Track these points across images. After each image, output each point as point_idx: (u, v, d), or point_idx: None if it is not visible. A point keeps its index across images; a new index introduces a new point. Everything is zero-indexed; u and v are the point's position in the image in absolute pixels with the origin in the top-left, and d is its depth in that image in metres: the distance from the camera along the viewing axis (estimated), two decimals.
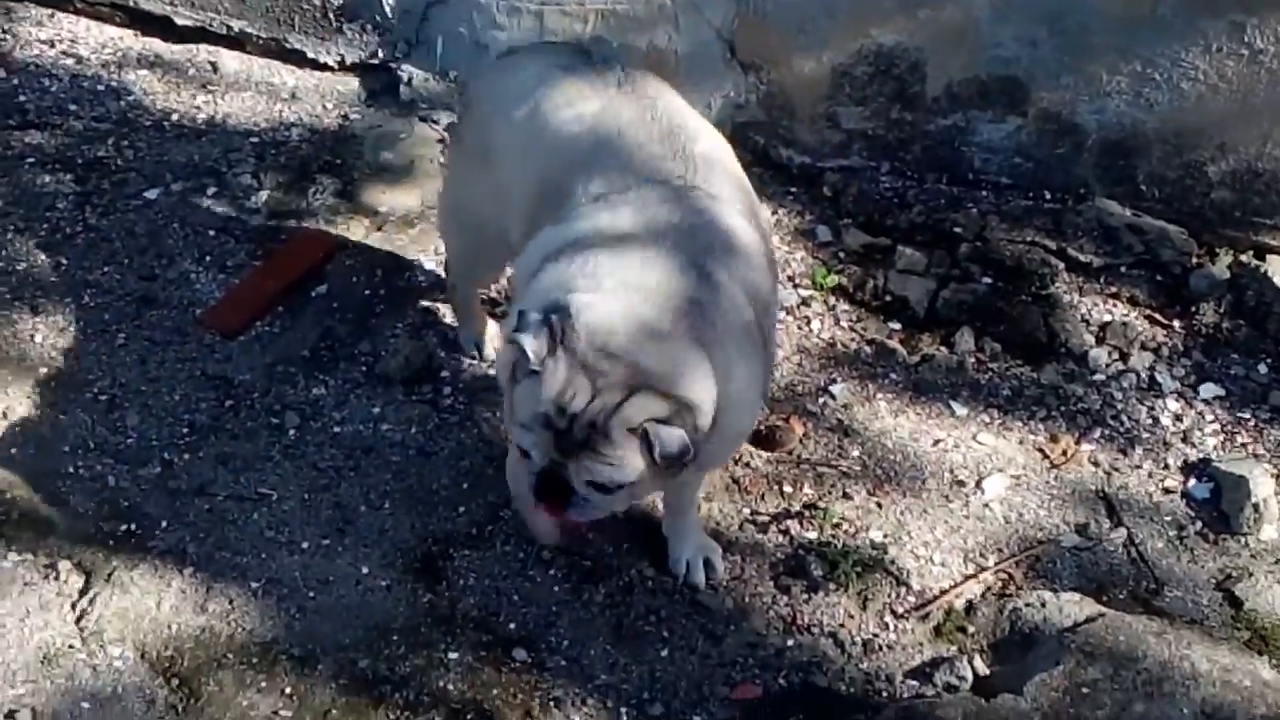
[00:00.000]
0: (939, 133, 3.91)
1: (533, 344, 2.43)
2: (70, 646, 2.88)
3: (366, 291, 3.66)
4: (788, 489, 3.25)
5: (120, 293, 3.61)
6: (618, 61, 3.05)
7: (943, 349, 3.60)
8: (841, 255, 3.84)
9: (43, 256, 3.69)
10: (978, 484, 3.27)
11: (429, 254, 3.76)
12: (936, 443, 3.37)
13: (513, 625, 2.94)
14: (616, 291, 2.52)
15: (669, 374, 2.46)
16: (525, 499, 2.69)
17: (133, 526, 3.09)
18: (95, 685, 2.81)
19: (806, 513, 3.19)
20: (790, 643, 2.96)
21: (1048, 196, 3.88)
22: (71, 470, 3.19)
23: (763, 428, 3.36)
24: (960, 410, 3.45)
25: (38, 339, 3.47)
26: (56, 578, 2.98)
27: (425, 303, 3.62)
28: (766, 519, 3.19)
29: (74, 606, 2.94)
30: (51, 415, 3.30)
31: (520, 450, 2.54)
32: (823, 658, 2.94)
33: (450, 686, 2.83)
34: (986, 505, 3.23)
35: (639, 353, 2.44)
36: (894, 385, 3.51)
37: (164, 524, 3.10)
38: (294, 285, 3.64)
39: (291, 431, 3.31)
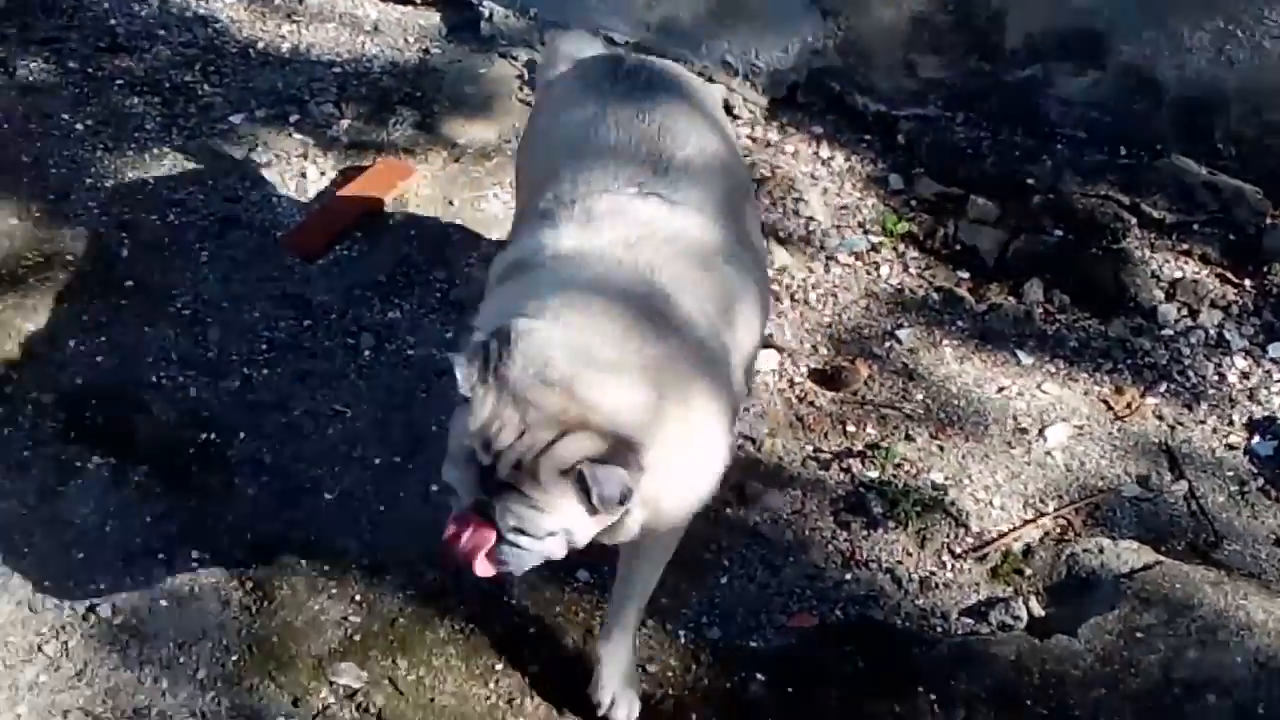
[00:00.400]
0: (1016, 84, 3.90)
1: (464, 368, 2.23)
2: (149, 548, 2.98)
3: (443, 220, 3.73)
4: (851, 428, 3.29)
5: (204, 212, 3.69)
6: (645, 68, 2.92)
7: (1011, 299, 3.61)
8: (913, 203, 3.85)
9: (130, 175, 3.78)
10: (1040, 432, 3.30)
11: (504, 186, 3.82)
12: (1001, 390, 3.39)
13: None
14: (560, 314, 2.33)
15: (609, 406, 2.22)
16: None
17: (212, 436, 3.19)
18: (172, 585, 2.91)
19: (868, 452, 3.23)
20: (848, 577, 3.01)
21: (1123, 152, 3.87)
22: (154, 381, 3.29)
23: (828, 368, 3.40)
24: (1026, 359, 3.47)
25: (125, 254, 3.56)
26: (137, 482, 3.08)
27: (499, 233, 3.68)
28: (829, 456, 3.23)
29: (153, 510, 3.04)
30: (136, 327, 3.39)
31: (447, 486, 2.33)
32: (879, 592, 2.98)
33: (514, 602, 2.90)
34: (1048, 453, 3.26)
35: (577, 382, 2.22)
36: (960, 332, 3.53)
37: (242, 435, 3.19)
38: (373, 212, 3.72)
39: (367, 352, 3.38)
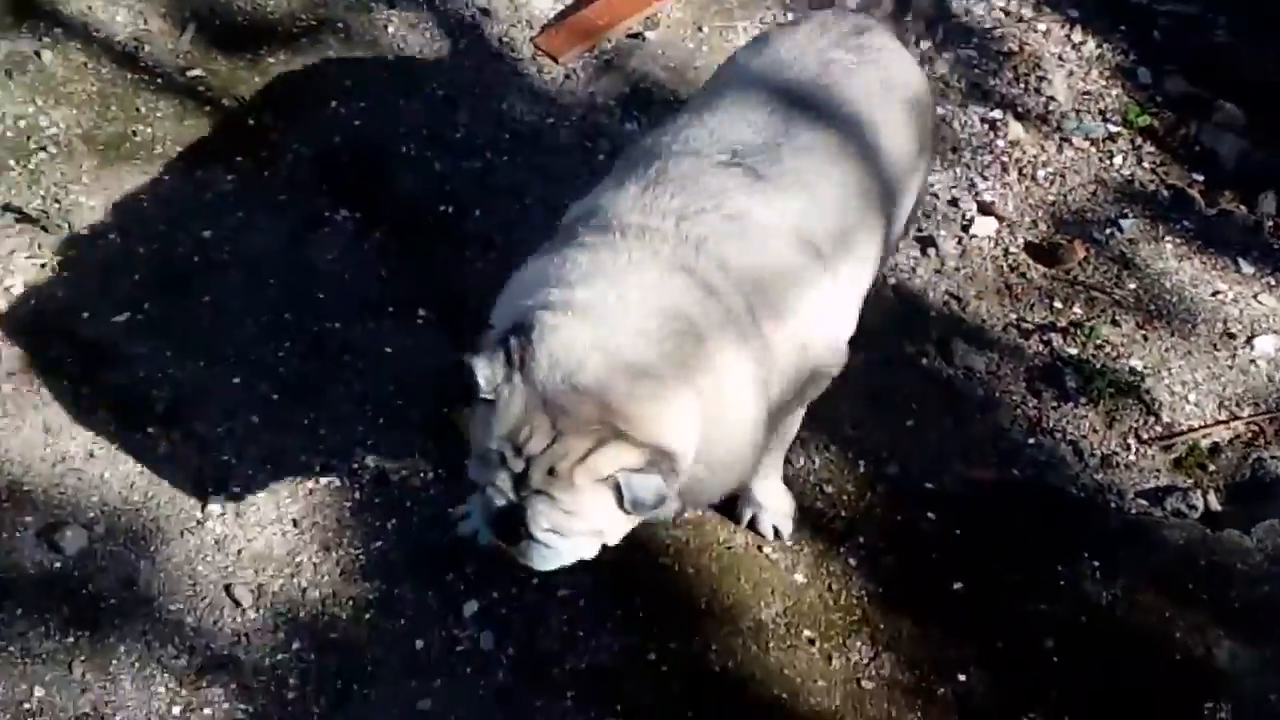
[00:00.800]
0: None
1: (485, 369, 2.15)
2: (381, 299, 3.20)
3: (690, 45, 3.83)
4: (1058, 305, 3.33)
5: (467, 1, 3.85)
6: (871, 33, 2.78)
7: (1242, 208, 3.57)
8: (1158, 99, 3.80)
9: None
10: (1249, 340, 3.29)
11: (754, 22, 3.89)
12: (1215, 294, 3.38)
13: None
14: (590, 307, 2.21)
15: (644, 418, 2.15)
16: (483, 532, 2.49)
17: (449, 209, 3.38)
18: (399, 336, 3.14)
19: (1071, 329, 3.28)
20: (1031, 441, 3.08)
21: None
22: (403, 151, 3.49)
23: (1044, 243, 3.44)
24: (1247, 269, 3.44)
25: (389, 29, 3.75)
26: (378, 240, 3.30)
27: None
28: (1031, 328, 3.28)
29: (389, 266, 3.26)
30: (393, 99, 3.59)
31: (474, 483, 2.28)
32: (1060, 461, 3.05)
33: None
34: (1253, 361, 3.25)
35: (609, 392, 2.14)
36: (1184, 232, 3.51)
37: (477, 213, 3.38)
38: (625, 26, 3.83)
39: (601, 156, 3.52)
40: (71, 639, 2.70)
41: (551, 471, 2.15)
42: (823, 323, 2.50)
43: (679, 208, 2.38)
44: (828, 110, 2.60)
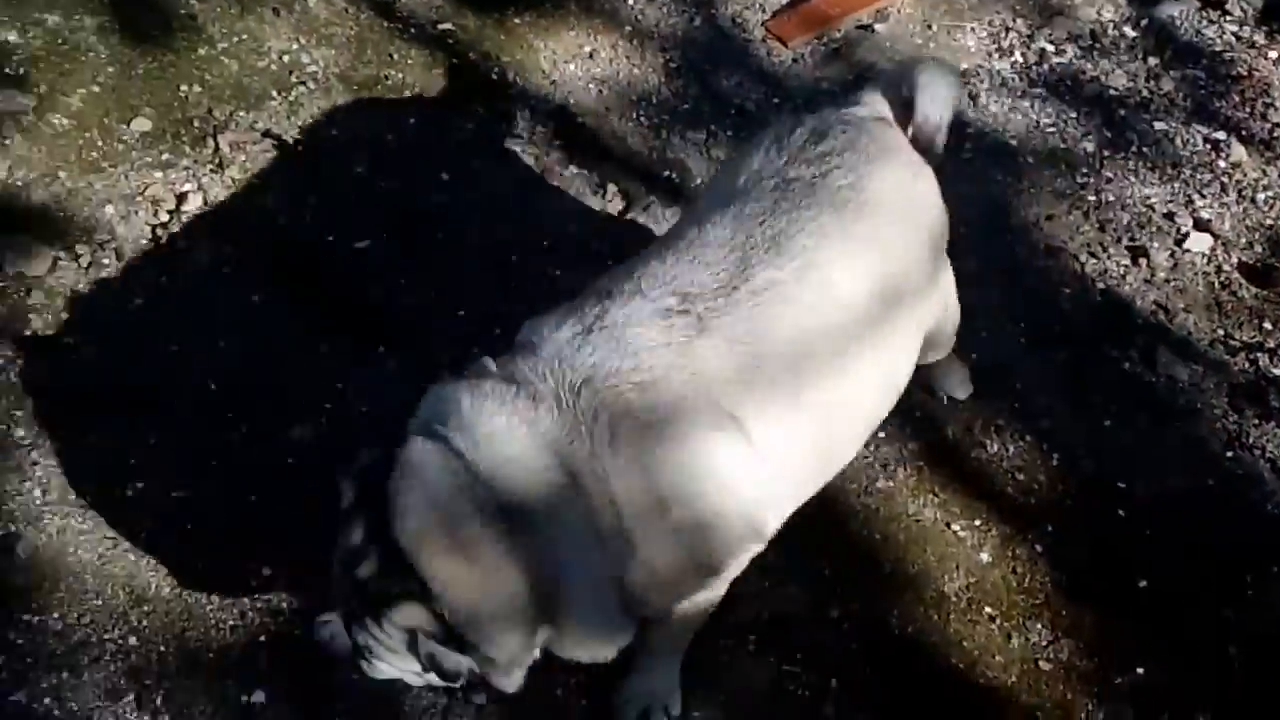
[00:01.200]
0: None
1: (348, 489, 2.18)
2: (600, 249, 3.36)
3: (917, 41, 3.91)
4: (1267, 325, 3.32)
5: None
6: (839, 129, 2.50)
7: None
8: None
9: None
10: None
11: (982, 24, 3.95)
12: None
13: (973, 355, 3.19)
14: (462, 454, 2.12)
15: (448, 595, 2.09)
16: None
17: (672, 174, 3.53)
18: None
19: (1279, 350, 3.27)
20: (1229, 455, 3.09)
21: None
22: (634, 116, 3.65)
23: (1259, 264, 3.43)
24: None
25: (629, 1, 3.91)
26: (602, 197, 3.47)
27: (966, 64, 3.83)
28: (1238, 345, 3.28)
29: (612, 221, 3.42)
30: (626, 69, 3.75)
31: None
32: (1256, 477, 3.05)
33: None
34: None
35: (422, 552, 2.09)
36: None
37: (698, 180, 3.51)
38: (855, 17, 3.93)
39: None
40: (286, 530, 2.89)
41: (371, 603, 2.16)
42: (733, 501, 2.26)
43: (591, 369, 2.19)
44: (786, 239, 2.34)
